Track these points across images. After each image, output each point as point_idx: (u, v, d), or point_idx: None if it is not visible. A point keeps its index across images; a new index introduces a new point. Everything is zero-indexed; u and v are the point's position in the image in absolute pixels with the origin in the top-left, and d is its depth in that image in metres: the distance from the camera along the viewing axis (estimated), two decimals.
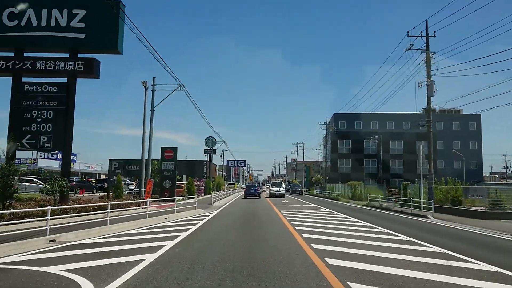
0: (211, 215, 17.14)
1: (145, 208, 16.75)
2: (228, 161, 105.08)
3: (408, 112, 67.56)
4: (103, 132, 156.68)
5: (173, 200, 24.66)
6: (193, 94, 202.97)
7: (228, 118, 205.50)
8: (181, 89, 23.64)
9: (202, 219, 15.18)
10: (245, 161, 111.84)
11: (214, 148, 64.19)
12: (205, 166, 67.16)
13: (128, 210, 15.75)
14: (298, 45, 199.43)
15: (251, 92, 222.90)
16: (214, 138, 63.70)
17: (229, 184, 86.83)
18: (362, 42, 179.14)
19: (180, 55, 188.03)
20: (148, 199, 18.01)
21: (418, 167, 25.04)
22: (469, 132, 65.16)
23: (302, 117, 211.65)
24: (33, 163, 54.97)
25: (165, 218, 14.84)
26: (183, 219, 15.36)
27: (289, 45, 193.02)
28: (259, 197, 43.30)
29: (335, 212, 20.49)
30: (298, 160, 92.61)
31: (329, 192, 46.59)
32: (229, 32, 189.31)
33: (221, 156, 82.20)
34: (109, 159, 19.11)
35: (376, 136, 56.13)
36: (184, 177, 59.02)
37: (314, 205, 28.64)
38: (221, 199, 31.21)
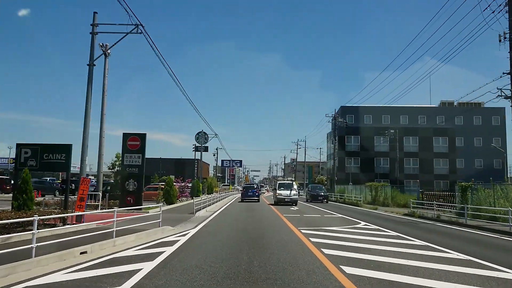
0: (178, 244, 9.33)
1: (67, 227, 9.58)
2: (223, 161, 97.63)
3: (424, 105, 60.83)
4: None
5: (139, 209, 17.44)
6: (192, 95, 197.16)
7: (224, 119, 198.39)
8: (139, 31, 15.98)
9: (153, 256, 7.58)
10: (240, 161, 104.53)
11: (206, 144, 57.09)
12: (196, 165, 59.87)
13: (38, 231, 8.49)
14: (297, 49, 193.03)
15: (247, 93, 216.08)
16: (206, 134, 56.63)
17: (223, 185, 79.55)
18: (361, 46, 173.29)
19: (180, 58, 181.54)
20: (79, 213, 10.76)
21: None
22: (492, 127, 58.29)
23: (300, 118, 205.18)
24: None
25: (81, 254, 7.52)
26: (113, 257, 7.61)
27: (288, 49, 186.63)
28: (258, 201, 36.27)
29: (392, 232, 12.90)
30: (298, 159, 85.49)
31: (341, 196, 39.45)
32: (229, 36, 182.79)
33: (214, 155, 74.97)
34: (17, 144, 11.65)
35: (392, 131, 49.05)
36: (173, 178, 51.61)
37: (339, 214, 21.18)
38: (209, 205, 23.96)
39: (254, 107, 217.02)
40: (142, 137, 18.65)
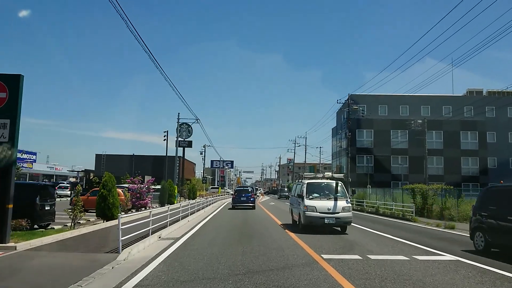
0: None
1: None
2: (212, 161, 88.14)
3: (449, 94, 51.90)
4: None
5: None
6: (191, 95, 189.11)
7: (215, 119, 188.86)
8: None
9: None
10: (232, 161, 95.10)
11: (189, 139, 47.41)
12: (177, 164, 50.14)
13: None
14: (297, 48, 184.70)
15: (242, 93, 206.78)
16: (189, 126, 46.94)
17: (212, 188, 69.80)
18: (362, 46, 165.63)
19: (179, 57, 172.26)
20: None
21: None
22: None
23: (296, 120, 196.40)
24: None
25: None
26: None
27: (287, 48, 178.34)
28: (254, 207, 27.63)
29: None
30: (296, 160, 76.12)
31: (359, 202, 30.22)
32: (230, 35, 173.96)
33: (201, 154, 65.38)
34: None
35: (419, 121, 40.00)
36: (148, 178, 42.50)
37: (419, 245, 10.76)
38: (177, 220, 14.58)
39: (246, 109, 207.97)
40: (10, 82, 8.70)
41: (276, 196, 76.49)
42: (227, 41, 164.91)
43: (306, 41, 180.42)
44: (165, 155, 46.60)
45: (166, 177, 50.23)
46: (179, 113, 29.09)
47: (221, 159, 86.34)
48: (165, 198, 23.38)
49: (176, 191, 26.94)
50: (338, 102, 40.44)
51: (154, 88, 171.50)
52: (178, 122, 29.59)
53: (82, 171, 45.56)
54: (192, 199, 33.14)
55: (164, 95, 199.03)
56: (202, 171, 67.66)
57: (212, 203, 31.15)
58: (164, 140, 40.98)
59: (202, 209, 23.76)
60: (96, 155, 50.12)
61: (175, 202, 25.94)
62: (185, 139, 47.26)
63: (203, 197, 42.00)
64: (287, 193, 53.44)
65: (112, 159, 48.88)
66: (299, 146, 66.04)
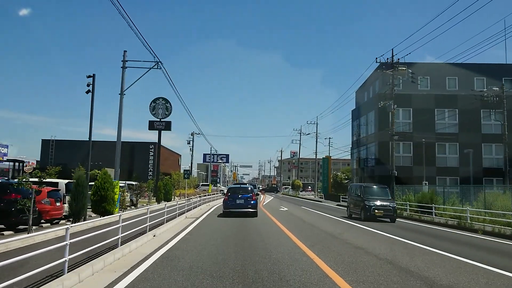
0: None
1: None
2: (205, 155, 76.34)
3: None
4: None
5: None
6: (190, 95, 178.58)
7: (213, 115, 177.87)
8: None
9: None
10: (227, 155, 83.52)
11: (167, 119, 36.02)
12: (151, 152, 38.27)
13: None
14: (296, 45, 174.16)
15: (240, 91, 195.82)
16: (167, 102, 35.53)
17: (203, 185, 57.90)
18: (361, 44, 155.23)
19: (178, 57, 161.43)
20: None
21: None
22: None
23: (296, 116, 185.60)
24: None
25: None
26: None
27: (287, 45, 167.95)
28: (256, 215, 18.26)
29: None
30: (301, 152, 64.35)
31: (420, 208, 18.60)
32: (230, 34, 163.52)
33: (189, 144, 53.36)
34: None
35: (497, 89, 28.51)
36: (112, 171, 31.03)
37: None
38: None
39: (244, 104, 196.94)
40: None
41: (275, 194, 64.99)
42: (227, 40, 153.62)
43: (305, 39, 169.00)
44: (135, 141, 34.68)
45: (139, 169, 38.35)
46: (125, 51, 17.04)
47: (216, 153, 74.56)
48: (81, 206, 11.48)
49: (117, 191, 15.03)
50: (377, 61, 28.50)
51: None
52: (123, 64, 17.46)
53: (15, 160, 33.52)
54: (167, 201, 21.66)
55: None
56: (190, 165, 55.67)
57: (197, 207, 19.73)
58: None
59: (173, 219, 12.28)
60: (43, 140, 37.88)
61: (115, 211, 14.12)
62: (162, 119, 35.61)
63: (184, 197, 30.34)
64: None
65: (63, 146, 36.96)
66: (308, 134, 54.14)
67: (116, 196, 14.85)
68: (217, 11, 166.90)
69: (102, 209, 13.52)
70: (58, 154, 35.81)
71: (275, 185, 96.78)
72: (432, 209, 19.10)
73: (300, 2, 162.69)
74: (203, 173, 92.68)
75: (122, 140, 21.69)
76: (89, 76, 12.92)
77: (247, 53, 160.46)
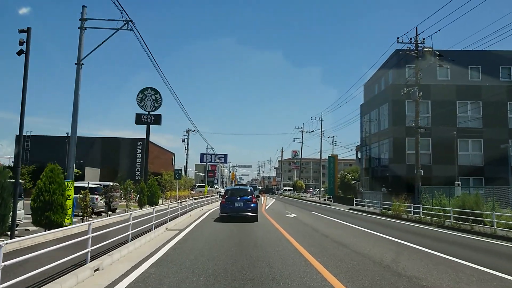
0: None
1: None
2: (202, 154, 72.39)
3: None
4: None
5: None
6: (189, 94, 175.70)
7: (212, 115, 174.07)
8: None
9: None
10: (225, 155, 79.56)
11: (156, 112, 32.37)
12: (138, 149, 34.44)
13: None
14: (297, 46, 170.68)
15: (240, 91, 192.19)
16: (157, 92, 31.83)
17: (198, 187, 54.06)
18: (360, 42, 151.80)
19: (175, 55, 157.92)
20: None
21: None
22: None
23: (296, 120, 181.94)
24: None
25: None
26: None
27: (289, 46, 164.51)
28: (256, 218, 16.74)
29: None
30: (302, 152, 60.30)
31: (484, 219, 14.55)
32: (230, 32, 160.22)
33: (183, 141, 49.65)
34: None
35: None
36: (94, 171, 27.76)
37: None
38: None
39: (244, 104, 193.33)
40: None
41: (277, 196, 61.16)
42: (225, 38, 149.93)
43: (304, 38, 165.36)
44: (122, 137, 30.88)
45: (125, 167, 34.36)
46: (84, 6, 13.27)
47: (213, 153, 70.77)
48: (3, 218, 7.56)
49: (70, 194, 11.05)
50: (399, 41, 24.52)
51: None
52: (81, 24, 13.56)
53: None
54: (153, 205, 17.89)
55: None
56: (185, 164, 51.76)
57: (184, 214, 15.90)
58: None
59: (138, 236, 8.42)
60: (17, 136, 34.11)
61: (66, 222, 10.21)
62: (150, 112, 31.99)
63: (176, 200, 26.71)
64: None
65: (39, 142, 32.96)
66: (312, 132, 50.14)
67: (69, 202, 10.94)
68: (217, 10, 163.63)
69: (46, 220, 9.65)
70: (35, 152, 31.95)
71: (270, 187, 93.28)
72: (481, 217, 15.26)
73: (300, 2, 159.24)
74: (201, 174, 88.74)
75: (107, 136, 17.78)
76: (22, 31, 8.96)
77: (247, 52, 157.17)
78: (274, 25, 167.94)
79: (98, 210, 17.18)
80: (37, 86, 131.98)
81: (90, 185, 16.24)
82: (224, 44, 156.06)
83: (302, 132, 60.79)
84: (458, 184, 20.76)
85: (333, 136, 55.40)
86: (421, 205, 20.66)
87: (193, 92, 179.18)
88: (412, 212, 19.97)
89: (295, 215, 20.29)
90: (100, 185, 17.49)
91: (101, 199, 16.49)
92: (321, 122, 46.90)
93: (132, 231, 8.96)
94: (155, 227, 11.36)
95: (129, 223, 8.89)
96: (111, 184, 16.69)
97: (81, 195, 12.88)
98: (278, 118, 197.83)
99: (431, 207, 18.92)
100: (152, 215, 11.25)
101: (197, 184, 58.24)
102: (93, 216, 17.46)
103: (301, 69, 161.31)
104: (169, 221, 13.78)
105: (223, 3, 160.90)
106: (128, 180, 19.15)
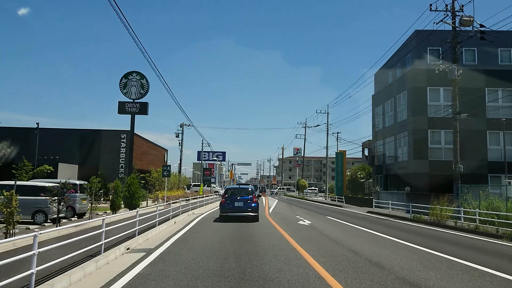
0: None
1: None
2: (199, 152, 68.32)
3: None
4: None
5: None
6: (189, 94, 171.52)
7: (212, 115, 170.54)
8: None
9: None
10: (224, 153, 75.73)
11: (143, 99, 28.24)
12: (122, 143, 30.28)
13: None
14: (296, 46, 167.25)
15: (240, 91, 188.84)
16: (143, 77, 27.64)
17: (194, 186, 50.12)
18: (359, 43, 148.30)
19: (176, 56, 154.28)
20: None
21: None
22: None
23: (296, 119, 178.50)
24: None
25: None
26: None
27: (288, 47, 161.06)
28: (257, 218, 16.21)
29: None
30: (305, 148, 56.35)
31: None
32: (230, 33, 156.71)
33: (177, 137, 45.58)
34: None
35: None
36: (71, 167, 23.55)
37: None
38: None
39: (244, 103, 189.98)
40: None
41: (278, 196, 57.14)
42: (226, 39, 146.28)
43: (304, 38, 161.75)
44: (101, 129, 26.81)
45: (108, 165, 30.40)
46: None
47: (208, 146, 66.79)
48: None
49: None
50: (431, 9, 20.35)
51: None
52: None
53: None
54: (132, 208, 13.95)
55: None
56: (179, 162, 47.64)
57: (159, 223, 11.81)
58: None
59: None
60: None
61: None
62: (135, 100, 28.03)
63: (164, 201, 22.69)
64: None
65: (6, 135, 28.48)
66: (318, 126, 45.97)
67: None
68: (216, 11, 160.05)
69: None
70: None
71: (273, 185, 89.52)
72: None
73: (300, 2, 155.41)
74: (198, 172, 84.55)
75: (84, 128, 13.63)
76: None
77: (246, 52, 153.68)
78: (274, 25, 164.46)
79: (53, 216, 13.11)
80: None
81: (37, 183, 12.12)
82: (224, 44, 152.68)
83: (305, 127, 56.86)
84: (509, 183, 16.66)
85: (338, 132, 51.41)
86: (461, 208, 16.66)
87: (193, 92, 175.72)
88: (462, 218, 15.85)
89: (309, 222, 16.10)
90: (59, 183, 13.44)
91: (52, 202, 12.39)
92: (327, 115, 42.79)
93: (52, 263, 4.87)
94: (105, 249, 7.25)
95: (45, 248, 4.78)
96: (59, 183, 12.60)
97: (6, 197, 8.71)
98: (278, 118, 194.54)
99: (487, 212, 14.83)
100: (102, 230, 7.15)
101: (193, 183, 54.20)
102: (45, 224, 13.36)
103: (300, 68, 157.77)
104: (138, 234, 9.70)
105: (222, 3, 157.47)
106: (93, 178, 15.05)
